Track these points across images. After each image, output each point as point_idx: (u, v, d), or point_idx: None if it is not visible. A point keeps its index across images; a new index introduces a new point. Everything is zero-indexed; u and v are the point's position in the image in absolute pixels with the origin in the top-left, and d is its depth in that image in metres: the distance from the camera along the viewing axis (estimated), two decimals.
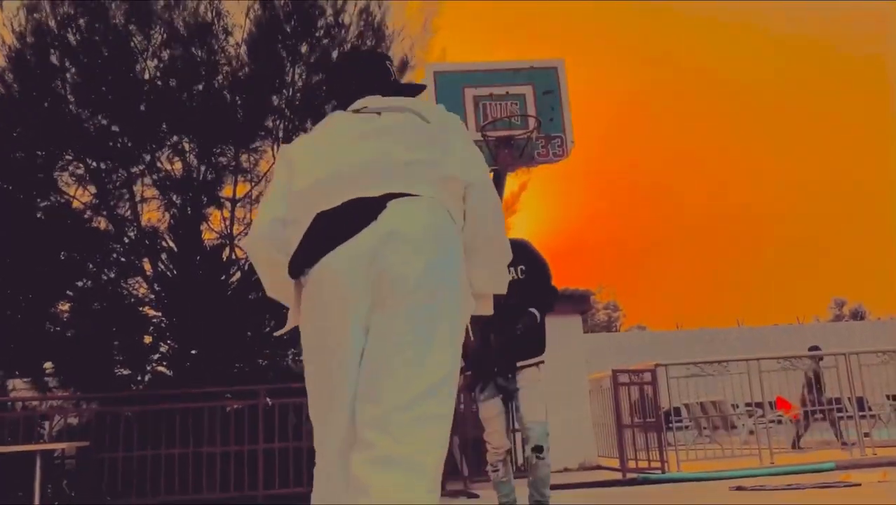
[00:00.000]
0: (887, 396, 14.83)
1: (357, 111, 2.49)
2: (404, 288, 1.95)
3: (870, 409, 13.83)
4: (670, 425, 10.56)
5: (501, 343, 4.57)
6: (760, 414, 11.41)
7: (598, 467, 11.19)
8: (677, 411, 12.57)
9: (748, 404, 11.78)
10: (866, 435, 10.42)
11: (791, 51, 69.74)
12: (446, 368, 1.97)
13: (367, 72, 2.75)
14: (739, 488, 7.32)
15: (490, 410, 4.74)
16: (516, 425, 5.22)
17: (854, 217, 72.72)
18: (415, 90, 2.73)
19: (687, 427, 13.82)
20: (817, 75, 74.85)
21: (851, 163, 74.86)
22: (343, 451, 2.05)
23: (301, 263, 2.13)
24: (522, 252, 4.66)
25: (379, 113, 2.40)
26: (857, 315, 51.78)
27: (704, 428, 13.55)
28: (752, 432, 12.12)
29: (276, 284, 2.42)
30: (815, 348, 12.92)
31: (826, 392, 12.21)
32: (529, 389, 4.70)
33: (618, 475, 9.50)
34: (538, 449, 4.66)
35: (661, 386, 9.93)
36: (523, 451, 4.74)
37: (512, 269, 4.55)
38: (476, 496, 8.14)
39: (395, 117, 2.36)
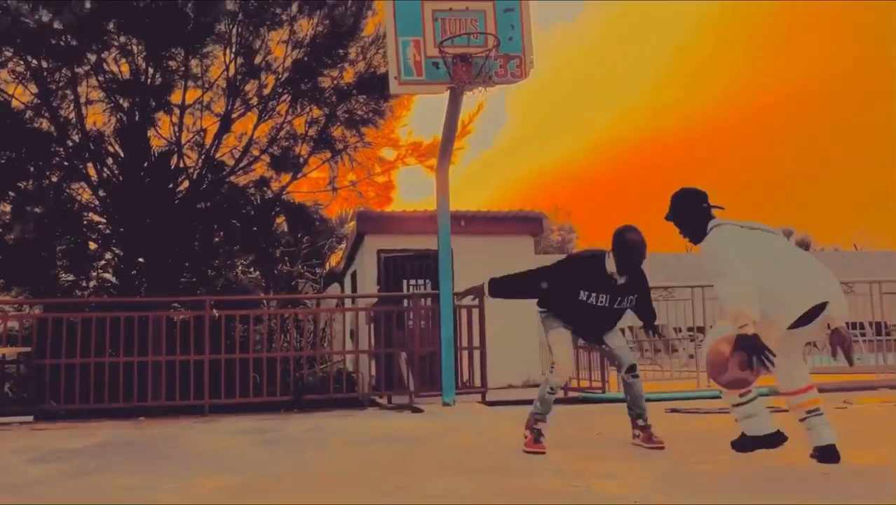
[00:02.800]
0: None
1: None
2: None
3: None
4: None
5: None
6: (701, 339, 11.74)
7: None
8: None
9: (690, 329, 12.08)
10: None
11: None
12: None
13: None
14: (674, 411, 7.55)
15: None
16: None
17: (804, 145, 73.80)
18: None
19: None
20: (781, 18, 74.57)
21: (803, 89, 75.56)
22: None
23: None
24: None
25: None
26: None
27: (646, 350, 13.93)
28: (692, 356, 12.47)
29: None
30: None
31: None
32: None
33: (560, 394, 9.75)
34: (632, 368, 5.06)
35: None
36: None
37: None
38: (420, 410, 8.29)
39: None
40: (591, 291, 4.81)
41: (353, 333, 10.39)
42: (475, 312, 9.17)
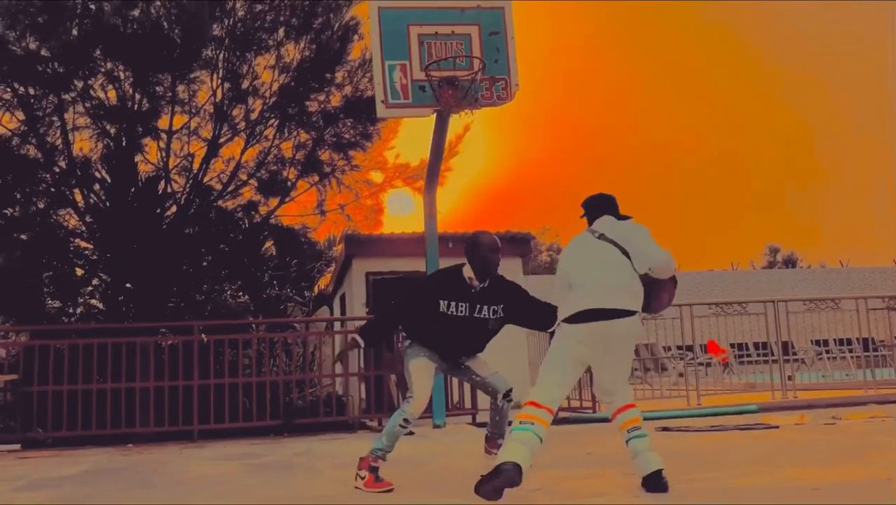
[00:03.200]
0: (813, 342, 15.46)
1: None
2: None
3: (794, 353, 14.40)
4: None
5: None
6: (690, 357, 11.77)
7: None
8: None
9: (679, 348, 12.11)
10: (789, 378, 10.86)
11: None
12: None
13: None
14: (665, 429, 7.57)
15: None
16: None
17: (793, 165, 74.48)
18: None
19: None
20: (767, 22, 75.62)
21: (793, 110, 76.33)
22: None
23: None
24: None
25: None
26: (790, 263, 53.44)
27: (636, 369, 13.95)
28: (681, 375, 12.50)
29: None
30: None
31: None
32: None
33: None
34: (508, 393, 4.92)
35: None
36: None
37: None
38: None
39: None
40: (449, 300, 4.66)
41: (341, 356, 10.36)
42: None
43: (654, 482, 3.92)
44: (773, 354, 10.56)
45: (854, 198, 71.43)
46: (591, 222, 4.50)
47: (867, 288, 28.10)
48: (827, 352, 15.18)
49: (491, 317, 4.74)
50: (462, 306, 4.65)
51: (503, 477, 3.68)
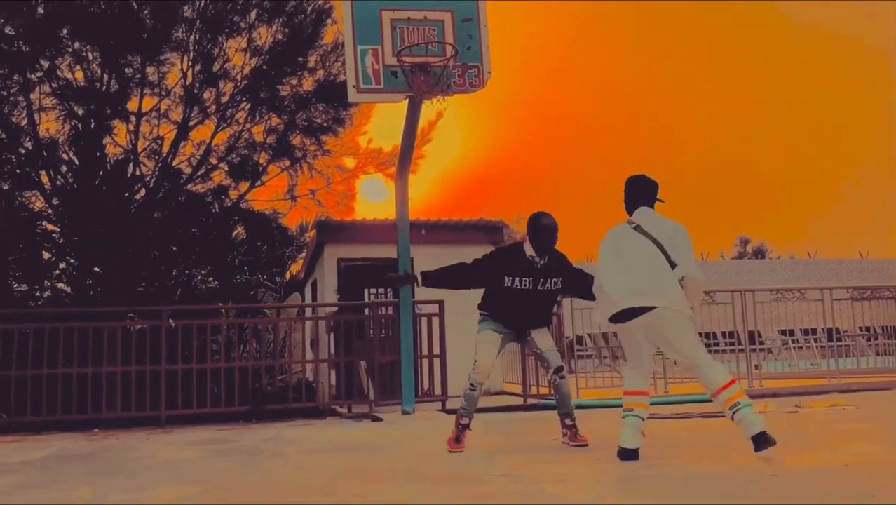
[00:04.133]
0: (780, 331, 15.64)
1: None
2: None
3: (762, 342, 14.58)
4: (574, 354, 10.87)
5: None
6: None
7: (503, 393, 11.51)
8: (581, 341, 12.96)
9: None
10: (756, 367, 11.00)
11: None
12: None
13: None
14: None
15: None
16: None
17: (767, 155, 75.19)
18: None
19: (590, 356, 14.29)
20: (748, 24, 76.03)
21: (767, 101, 77.00)
22: None
23: None
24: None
25: None
26: (759, 253, 54.02)
27: (605, 357, 14.05)
28: None
29: None
30: None
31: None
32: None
33: (520, 400, 9.79)
34: (559, 370, 5.39)
35: (566, 316, 10.21)
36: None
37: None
38: (380, 419, 8.27)
39: None
40: (514, 276, 5.23)
41: (313, 343, 10.33)
42: (435, 320, 9.19)
43: (761, 439, 4.17)
44: (740, 343, 10.68)
45: (820, 186, 72.35)
46: (630, 209, 4.78)
47: (833, 279, 28.54)
48: (793, 341, 15.38)
49: (552, 288, 5.33)
50: (526, 281, 5.24)
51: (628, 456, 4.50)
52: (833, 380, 10.37)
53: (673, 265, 4.49)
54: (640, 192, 4.80)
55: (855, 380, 10.46)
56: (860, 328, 13.17)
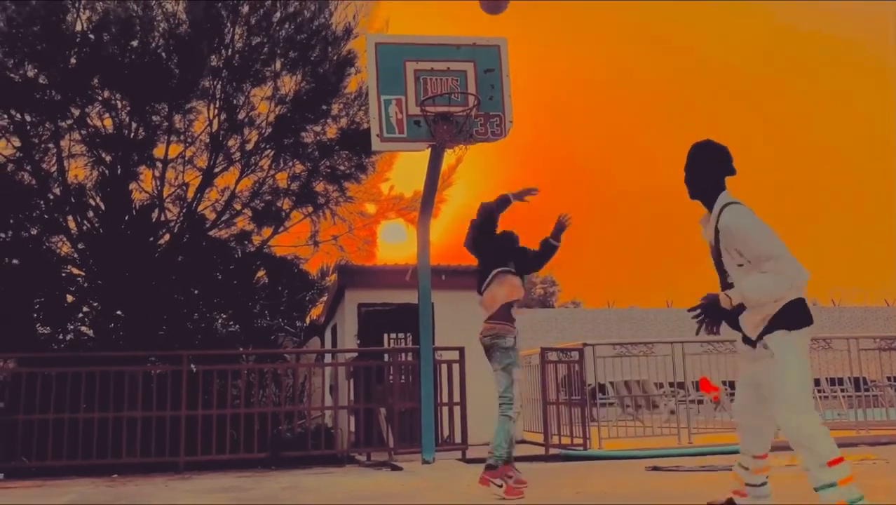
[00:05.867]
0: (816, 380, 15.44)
1: None
2: None
3: None
4: (595, 402, 10.77)
5: None
6: (682, 395, 11.72)
7: (523, 442, 11.38)
8: (602, 389, 12.83)
9: (671, 385, 12.08)
10: None
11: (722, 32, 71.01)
12: None
13: None
14: (655, 469, 7.51)
15: None
16: None
17: (784, 202, 74.86)
18: None
19: (612, 404, 14.14)
20: (747, 60, 76.48)
21: (781, 144, 76.88)
22: None
23: None
24: None
25: None
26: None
27: (628, 406, 13.89)
28: (673, 412, 12.44)
29: None
30: None
31: None
32: None
33: (541, 450, 9.67)
34: None
35: (588, 364, 10.12)
36: None
37: None
38: (399, 468, 8.20)
39: None
40: None
41: (332, 389, 10.30)
42: (455, 367, 9.14)
43: None
44: None
45: (848, 237, 71.75)
46: (719, 187, 3.98)
47: (858, 328, 28.14)
48: (819, 391, 15.14)
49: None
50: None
51: None
52: (861, 431, 10.16)
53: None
54: (716, 172, 3.98)
55: (885, 432, 10.23)
56: (888, 378, 12.94)
